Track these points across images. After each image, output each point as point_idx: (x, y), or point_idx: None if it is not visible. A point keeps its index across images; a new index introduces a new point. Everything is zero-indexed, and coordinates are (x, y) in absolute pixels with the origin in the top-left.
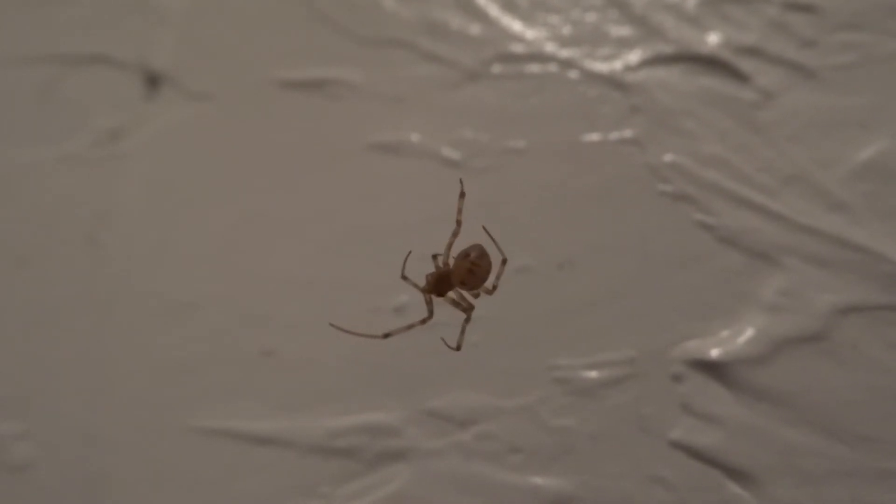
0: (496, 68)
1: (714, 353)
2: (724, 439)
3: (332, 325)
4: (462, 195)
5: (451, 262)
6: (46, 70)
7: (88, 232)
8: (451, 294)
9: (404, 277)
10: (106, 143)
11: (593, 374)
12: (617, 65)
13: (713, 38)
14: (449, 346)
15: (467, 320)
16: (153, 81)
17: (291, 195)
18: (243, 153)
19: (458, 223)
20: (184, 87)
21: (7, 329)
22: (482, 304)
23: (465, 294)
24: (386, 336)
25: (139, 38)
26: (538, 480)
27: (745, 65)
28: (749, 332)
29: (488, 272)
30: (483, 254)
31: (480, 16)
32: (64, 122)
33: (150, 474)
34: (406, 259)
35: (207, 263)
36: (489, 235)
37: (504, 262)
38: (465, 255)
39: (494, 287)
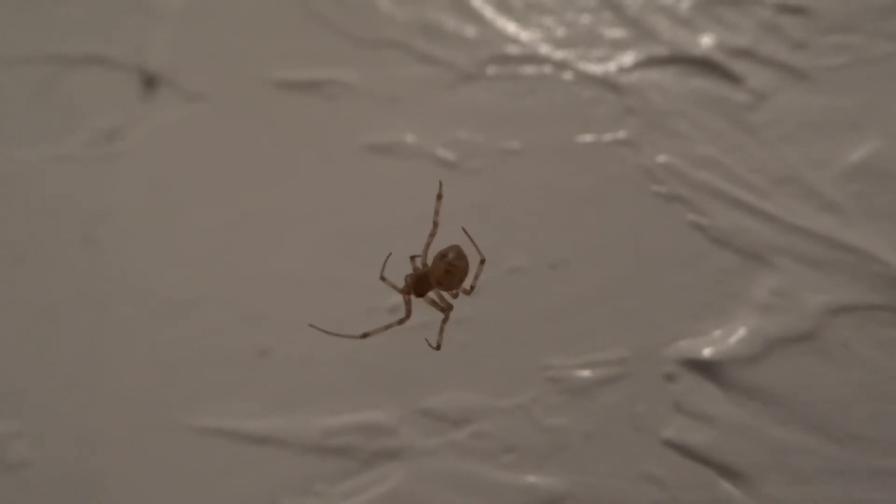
0: (491, 69)
1: (706, 352)
2: (717, 438)
3: (311, 325)
4: (439, 197)
5: (430, 262)
6: (43, 70)
7: (85, 231)
8: (431, 294)
9: (383, 279)
10: (102, 142)
11: (586, 373)
12: (611, 66)
13: (706, 40)
14: (431, 346)
15: (445, 320)
16: (150, 81)
17: (287, 195)
18: (239, 153)
19: (435, 224)
20: (180, 87)
21: (3, 327)
22: (476, 305)
23: (444, 294)
24: (364, 336)
25: (136, 39)
26: (532, 479)
27: (738, 66)
28: (741, 332)
29: (466, 272)
30: (460, 255)
31: (475, 17)
32: (61, 122)
33: (146, 473)
34: (386, 260)
35: (203, 263)
36: (468, 236)
37: (482, 262)
38: (442, 255)
39: (472, 287)
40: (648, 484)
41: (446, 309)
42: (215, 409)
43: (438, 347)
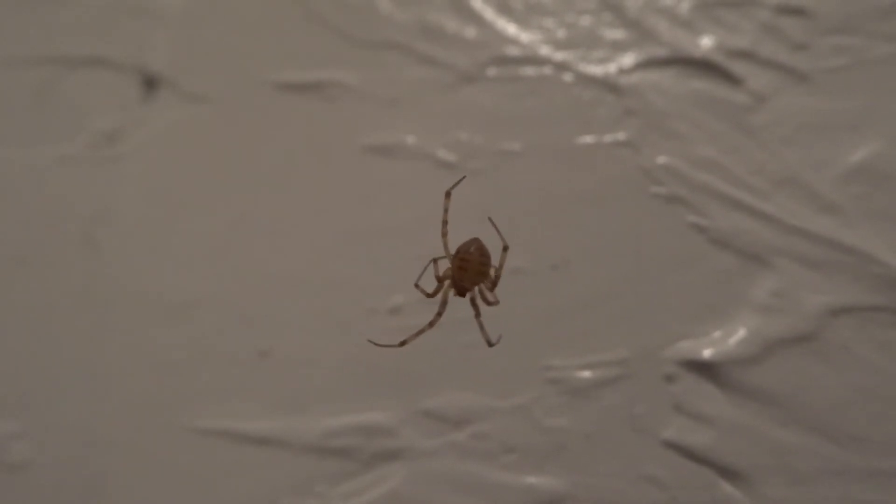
0: (491, 71)
1: (706, 353)
2: (717, 439)
3: (370, 341)
4: (448, 195)
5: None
6: (44, 71)
7: (86, 232)
8: (473, 292)
9: (417, 286)
10: (103, 144)
11: (587, 374)
12: (611, 68)
13: (706, 42)
14: (490, 345)
15: (477, 315)
16: (150, 83)
17: (287, 197)
18: (240, 155)
19: (444, 223)
20: (181, 88)
21: (4, 329)
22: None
23: (484, 290)
24: (402, 344)
25: (136, 40)
26: (532, 479)
27: (738, 68)
28: (741, 333)
29: (482, 264)
30: (479, 248)
31: (476, 19)
32: (61, 124)
33: (147, 474)
34: (424, 270)
35: (204, 264)
36: (492, 223)
37: (505, 248)
38: (457, 251)
39: (497, 277)
40: (648, 484)
41: (492, 303)
42: (215, 410)
43: (491, 344)
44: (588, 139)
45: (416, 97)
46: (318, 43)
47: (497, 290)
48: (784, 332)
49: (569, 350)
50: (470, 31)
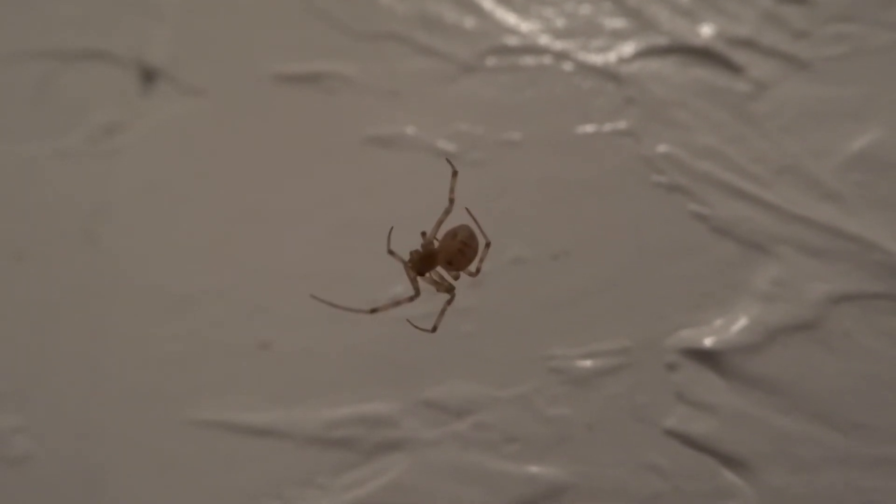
0: (491, 61)
1: (708, 341)
2: (719, 427)
3: (313, 296)
4: (455, 174)
5: (437, 241)
6: (43, 65)
7: (85, 226)
8: (431, 274)
9: (391, 252)
10: (102, 138)
11: (588, 363)
12: (611, 57)
13: (707, 30)
14: (424, 330)
15: (449, 302)
16: (149, 76)
17: (288, 189)
18: (239, 147)
19: (451, 201)
20: (180, 81)
21: (5, 323)
22: (478, 295)
23: (445, 275)
24: (373, 311)
25: (135, 34)
26: (534, 469)
27: (739, 56)
28: (743, 321)
29: (476, 254)
30: (472, 235)
31: (475, 9)
32: (60, 118)
33: (148, 467)
34: (390, 233)
35: (204, 257)
36: (473, 218)
37: (488, 245)
38: (453, 234)
39: (478, 270)
40: (650, 474)
41: (449, 289)
42: (216, 403)
43: (434, 329)
44: (588, 128)
45: (415, 88)
46: (318, 34)
47: (495, 279)
48: (785, 320)
49: (570, 339)
50: (469, 22)
